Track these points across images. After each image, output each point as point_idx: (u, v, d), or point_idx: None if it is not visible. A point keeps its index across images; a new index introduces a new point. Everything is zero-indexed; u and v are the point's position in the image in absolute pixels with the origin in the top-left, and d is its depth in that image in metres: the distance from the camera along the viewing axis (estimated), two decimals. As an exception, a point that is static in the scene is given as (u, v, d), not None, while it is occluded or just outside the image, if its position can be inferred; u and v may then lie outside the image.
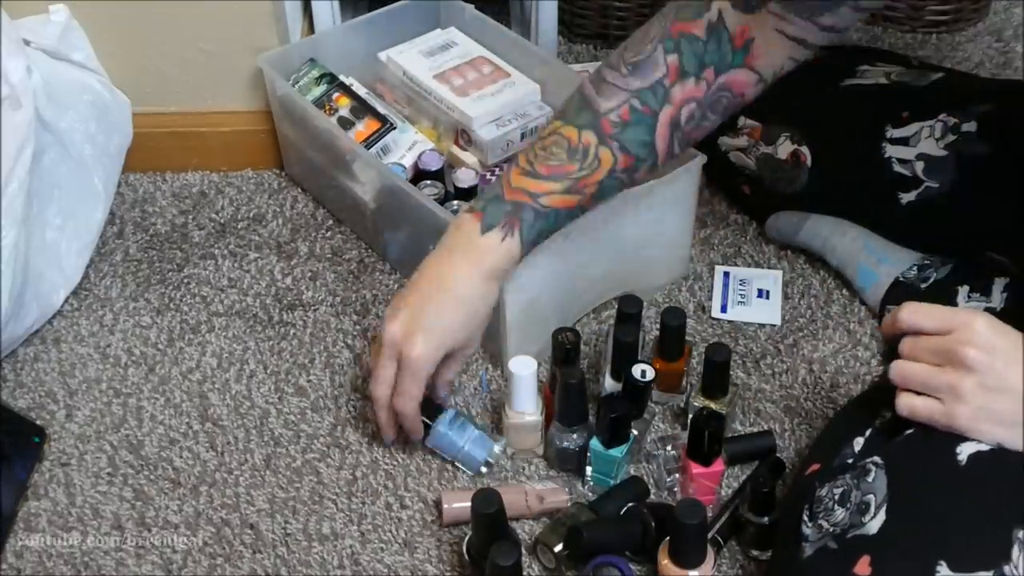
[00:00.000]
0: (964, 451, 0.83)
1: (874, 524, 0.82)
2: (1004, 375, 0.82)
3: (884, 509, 0.82)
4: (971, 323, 0.83)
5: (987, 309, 1.12)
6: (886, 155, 1.20)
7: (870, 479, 0.85)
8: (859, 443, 0.89)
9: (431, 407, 1.07)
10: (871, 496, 0.84)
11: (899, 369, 0.86)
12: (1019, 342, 0.82)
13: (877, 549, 0.81)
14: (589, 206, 1.05)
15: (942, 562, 0.78)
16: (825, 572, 0.83)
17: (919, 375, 0.85)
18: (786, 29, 0.98)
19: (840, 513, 0.85)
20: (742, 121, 1.30)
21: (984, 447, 0.83)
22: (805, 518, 0.87)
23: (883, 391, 0.90)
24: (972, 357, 0.82)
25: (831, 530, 0.84)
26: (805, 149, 1.25)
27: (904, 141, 1.19)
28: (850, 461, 0.88)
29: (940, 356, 0.84)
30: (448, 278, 1.02)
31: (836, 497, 0.86)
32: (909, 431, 0.86)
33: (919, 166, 1.19)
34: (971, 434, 0.82)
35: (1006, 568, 0.77)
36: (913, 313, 0.86)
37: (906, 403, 0.85)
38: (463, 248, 1.02)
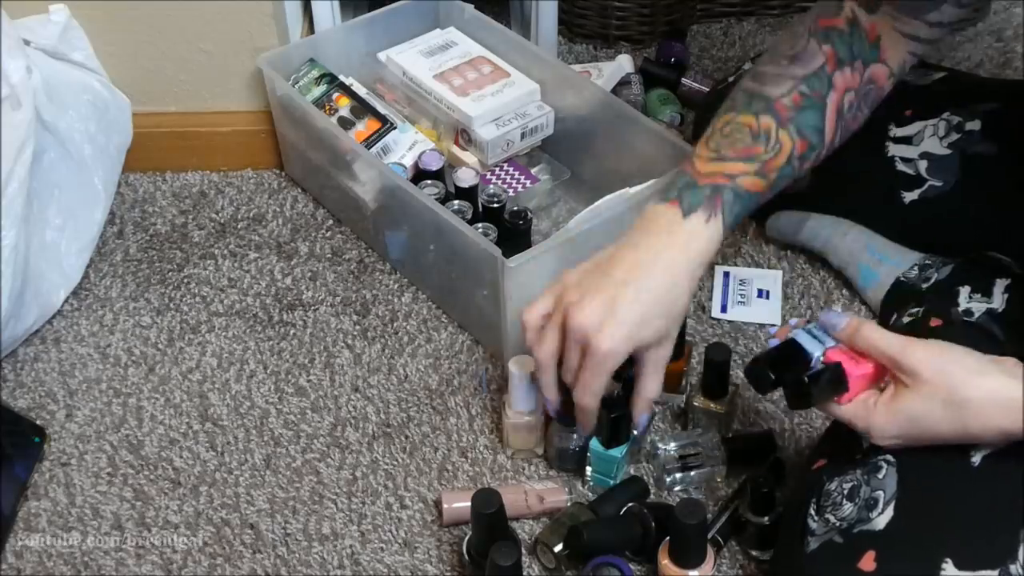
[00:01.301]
0: (978, 453, 0.83)
1: (881, 520, 0.82)
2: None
3: (892, 506, 0.82)
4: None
5: (988, 310, 1.12)
6: (889, 154, 1.20)
7: (880, 476, 0.85)
8: (867, 440, 0.89)
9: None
10: (880, 492, 0.84)
11: None
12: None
13: (883, 545, 0.81)
14: (764, 197, 1.01)
15: (948, 560, 0.78)
16: (830, 566, 0.83)
17: None
18: (902, 28, 1.02)
19: (848, 508, 0.85)
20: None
21: (998, 448, 0.82)
22: (812, 512, 0.87)
23: None
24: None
25: (838, 524, 0.84)
26: None
27: (907, 140, 1.19)
28: (858, 457, 0.88)
29: None
30: (648, 267, 0.94)
31: (845, 492, 0.86)
32: None
33: (922, 165, 1.18)
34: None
35: (1012, 567, 0.77)
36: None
37: None
38: (665, 234, 0.95)
